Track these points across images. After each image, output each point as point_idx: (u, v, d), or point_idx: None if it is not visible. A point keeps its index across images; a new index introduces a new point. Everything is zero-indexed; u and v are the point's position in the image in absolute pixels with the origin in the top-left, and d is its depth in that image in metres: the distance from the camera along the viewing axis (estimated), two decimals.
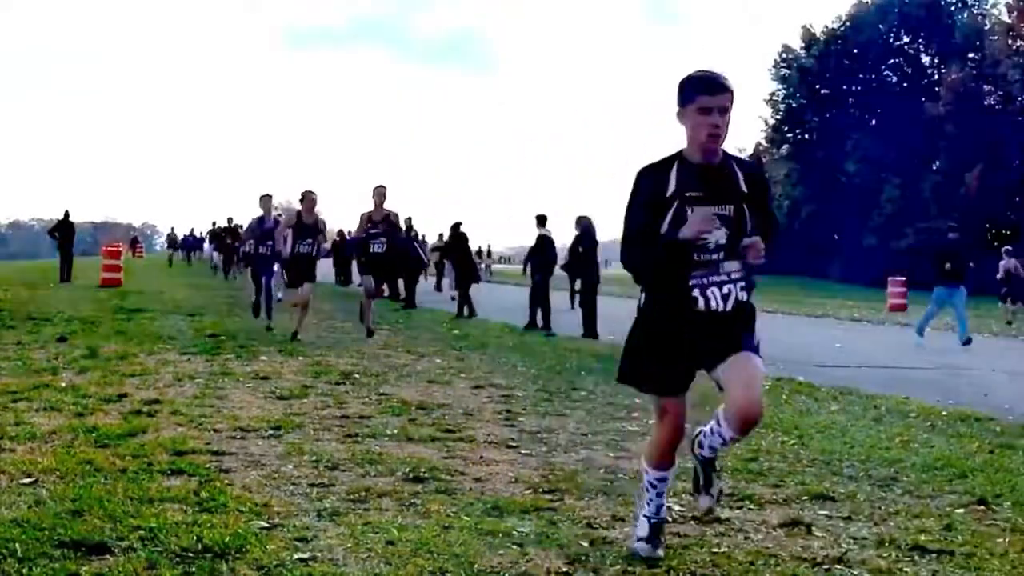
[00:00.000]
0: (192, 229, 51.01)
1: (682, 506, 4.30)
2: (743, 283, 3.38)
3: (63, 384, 7.11)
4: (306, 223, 11.42)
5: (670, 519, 4.07)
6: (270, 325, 12.37)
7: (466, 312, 16.65)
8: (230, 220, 31.17)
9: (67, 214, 24.87)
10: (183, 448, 5.05)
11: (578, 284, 14.31)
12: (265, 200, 13.31)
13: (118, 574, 3.13)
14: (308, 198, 11.53)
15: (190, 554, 3.33)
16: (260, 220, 13.30)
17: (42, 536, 3.45)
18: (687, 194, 3.29)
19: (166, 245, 53.36)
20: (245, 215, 35.06)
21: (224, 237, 30.45)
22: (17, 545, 3.33)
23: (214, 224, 38.09)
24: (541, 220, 15.44)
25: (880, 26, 51.99)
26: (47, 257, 45.16)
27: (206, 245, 40.15)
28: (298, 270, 11.53)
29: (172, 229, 52.07)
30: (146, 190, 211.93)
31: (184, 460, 4.78)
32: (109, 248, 24.67)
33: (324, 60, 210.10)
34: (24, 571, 3.11)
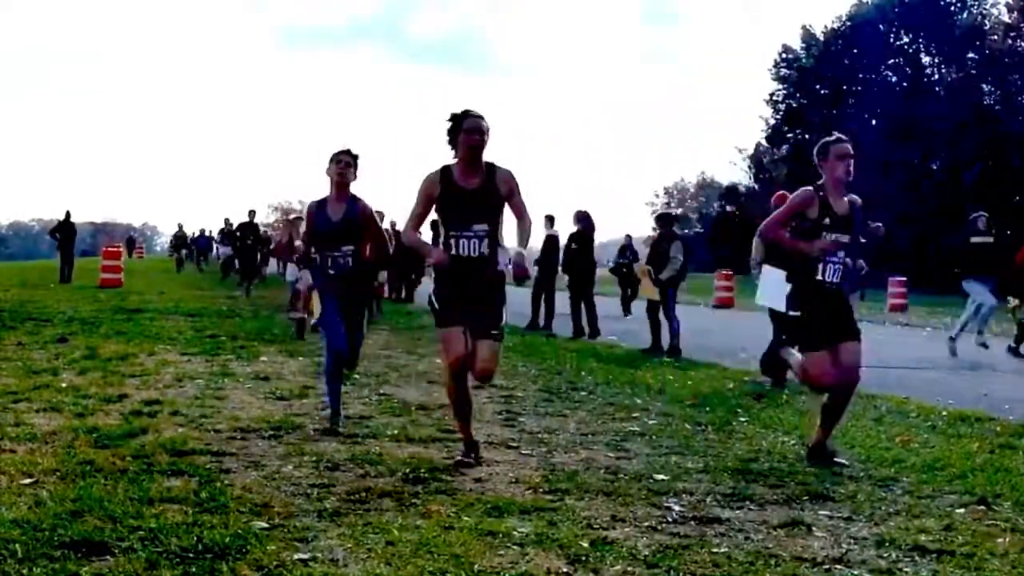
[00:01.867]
0: (204, 230, 40.96)
1: (683, 506, 4.30)
2: None
3: (63, 385, 7.11)
4: (466, 191, 5.03)
5: (670, 519, 4.07)
6: (339, 424, 5.96)
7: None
8: (252, 214, 23.22)
9: (68, 215, 24.86)
10: (183, 449, 5.05)
11: (565, 280, 14.25)
12: (342, 167, 6.12)
13: (118, 574, 3.14)
14: (471, 135, 4.95)
15: (190, 554, 3.33)
16: (322, 205, 6.19)
17: (42, 536, 3.45)
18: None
19: (173, 244, 41.63)
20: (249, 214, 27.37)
21: (242, 238, 21.98)
22: (18, 545, 3.33)
23: (227, 222, 30.40)
24: (550, 220, 15.36)
25: (880, 26, 51.96)
26: (47, 257, 45.10)
27: (221, 247, 31.27)
28: (461, 293, 5.03)
29: (180, 227, 40.51)
30: (147, 191, 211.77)
31: (184, 461, 4.79)
32: (109, 249, 24.71)
33: (324, 60, 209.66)
34: (24, 571, 3.11)
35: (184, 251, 38.06)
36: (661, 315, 11.79)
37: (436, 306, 5.05)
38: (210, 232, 39.71)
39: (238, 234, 22.44)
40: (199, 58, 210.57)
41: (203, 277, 30.99)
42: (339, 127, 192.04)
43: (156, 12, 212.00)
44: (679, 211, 64.59)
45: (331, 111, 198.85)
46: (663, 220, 12.81)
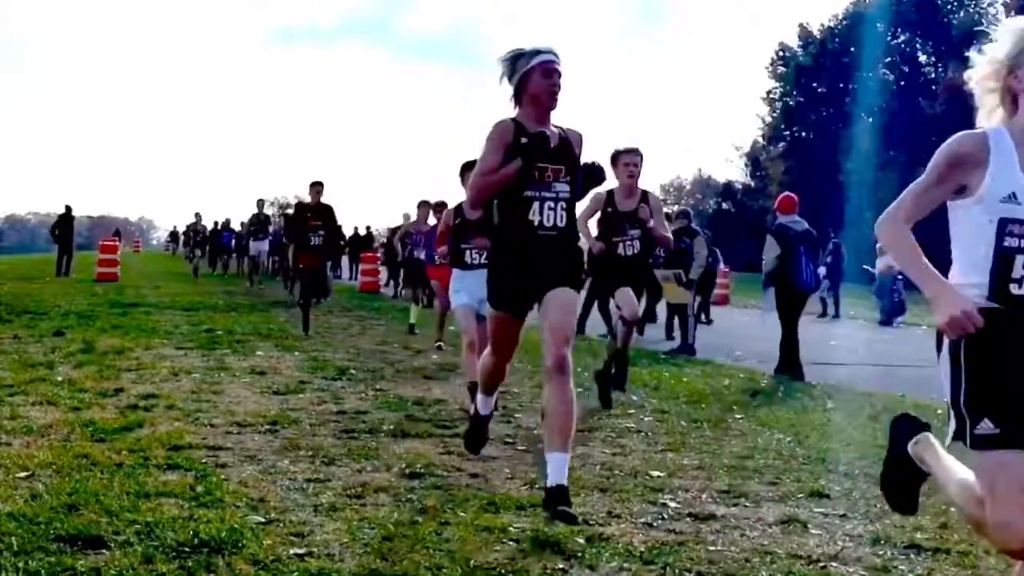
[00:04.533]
0: (228, 221, 28.86)
1: (678, 503, 4.30)
2: None
3: (59, 378, 7.09)
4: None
5: (665, 516, 4.08)
6: None
7: None
8: (319, 188, 12.23)
9: (68, 209, 24.83)
10: (179, 443, 5.05)
11: None
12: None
13: (114, 568, 3.13)
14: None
15: (186, 548, 3.33)
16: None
17: (38, 530, 3.45)
18: None
19: (188, 242, 34.19)
20: (245, 210, 22.43)
21: (303, 229, 12.30)
22: (13, 539, 3.33)
23: (260, 207, 23.05)
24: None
25: (877, 24, 52.04)
26: (43, 251, 44.97)
27: (253, 243, 22.60)
28: None
29: (197, 217, 32.45)
30: (143, 185, 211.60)
31: (180, 455, 4.78)
32: (105, 243, 24.66)
33: (317, 57, 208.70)
34: (20, 565, 3.11)
35: (198, 250, 30.42)
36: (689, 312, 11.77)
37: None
38: (224, 222, 29.27)
39: (299, 220, 12.66)
40: (194, 56, 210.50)
41: (228, 282, 23.72)
42: (333, 124, 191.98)
43: (152, 10, 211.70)
44: (687, 208, 64.51)
45: (324, 108, 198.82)
46: (680, 218, 12.73)
